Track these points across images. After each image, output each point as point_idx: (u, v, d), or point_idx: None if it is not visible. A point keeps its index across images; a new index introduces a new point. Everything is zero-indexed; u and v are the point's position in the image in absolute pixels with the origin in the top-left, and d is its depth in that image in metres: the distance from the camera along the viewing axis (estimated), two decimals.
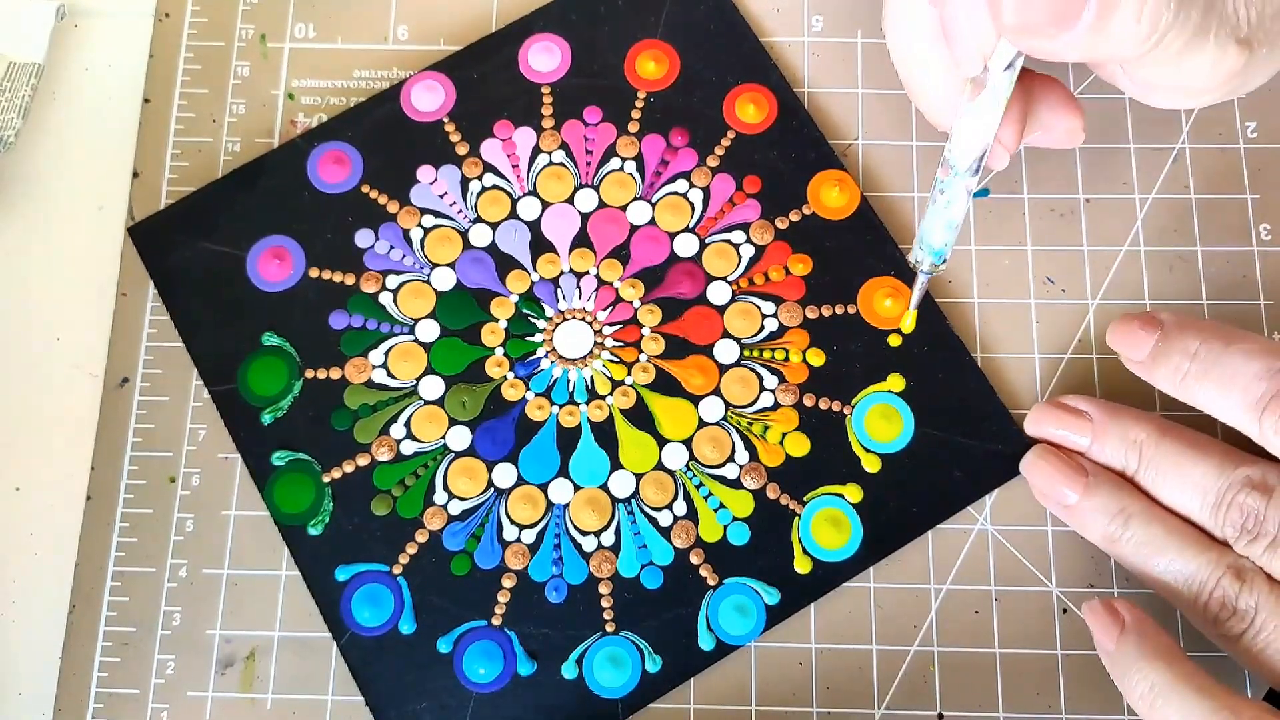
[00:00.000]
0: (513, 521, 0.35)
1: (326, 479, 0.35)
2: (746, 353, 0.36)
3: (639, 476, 0.35)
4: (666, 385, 0.36)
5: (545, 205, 0.38)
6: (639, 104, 0.39)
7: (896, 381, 0.36)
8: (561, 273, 0.37)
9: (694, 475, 0.35)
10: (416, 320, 0.37)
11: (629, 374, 0.36)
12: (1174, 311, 0.33)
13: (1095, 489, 0.33)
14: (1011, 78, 0.30)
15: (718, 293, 0.37)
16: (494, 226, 0.38)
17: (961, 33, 0.29)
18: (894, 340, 0.36)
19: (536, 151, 0.38)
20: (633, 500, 0.35)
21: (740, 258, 0.37)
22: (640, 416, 0.36)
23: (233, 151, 0.39)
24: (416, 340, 0.37)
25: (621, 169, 0.38)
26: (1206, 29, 0.28)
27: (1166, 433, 0.32)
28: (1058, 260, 0.37)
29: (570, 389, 0.36)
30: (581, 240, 0.38)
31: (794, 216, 0.37)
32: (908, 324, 0.36)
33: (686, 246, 0.37)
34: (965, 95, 0.31)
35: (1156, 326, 0.32)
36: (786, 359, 0.36)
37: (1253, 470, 0.31)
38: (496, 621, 0.34)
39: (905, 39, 0.33)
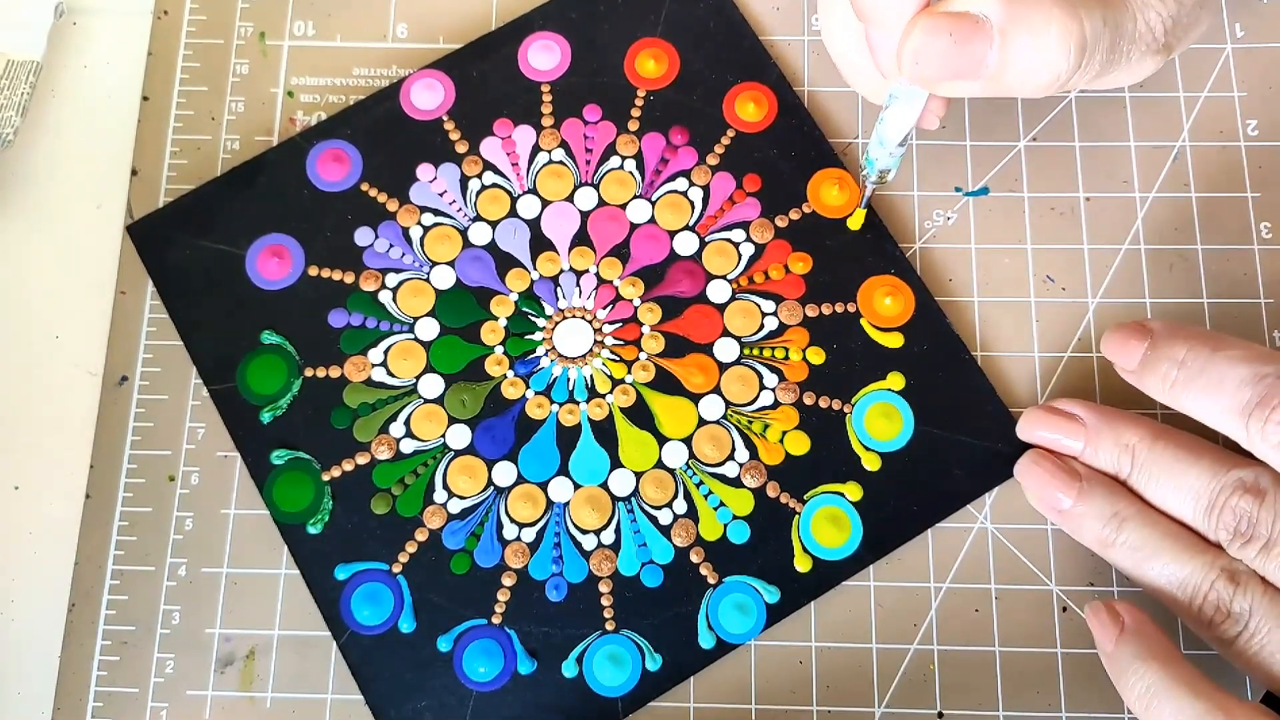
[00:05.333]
0: (512, 520, 0.35)
1: (326, 477, 0.35)
2: (746, 351, 0.36)
3: (639, 475, 0.35)
4: (666, 383, 0.36)
5: (545, 204, 0.38)
6: (639, 102, 0.39)
7: (896, 380, 0.36)
8: (561, 271, 0.37)
9: (694, 474, 0.35)
10: (416, 319, 0.37)
11: (629, 372, 0.36)
12: (1165, 319, 0.33)
13: (1089, 493, 0.33)
14: None
15: (717, 291, 0.37)
16: (494, 225, 0.38)
17: (881, 50, 0.31)
18: (893, 341, 0.36)
19: (536, 150, 0.38)
20: (633, 499, 0.35)
21: (740, 256, 0.37)
22: (640, 415, 0.36)
23: (232, 149, 0.39)
24: (416, 339, 0.37)
25: (621, 167, 0.38)
26: (1115, 60, 0.30)
27: (1159, 436, 0.33)
28: (1058, 259, 0.37)
29: (570, 387, 0.36)
30: (581, 239, 0.37)
31: (794, 215, 0.37)
32: (856, 222, 0.37)
33: (686, 245, 0.37)
34: (889, 87, 0.32)
35: (1146, 335, 0.32)
36: (786, 357, 0.36)
37: (1245, 473, 0.31)
38: (496, 620, 0.34)
39: (837, 38, 0.35)
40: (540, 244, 0.37)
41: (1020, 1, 0.28)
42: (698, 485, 0.35)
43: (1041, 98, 0.32)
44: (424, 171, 0.38)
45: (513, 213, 0.38)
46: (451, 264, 0.37)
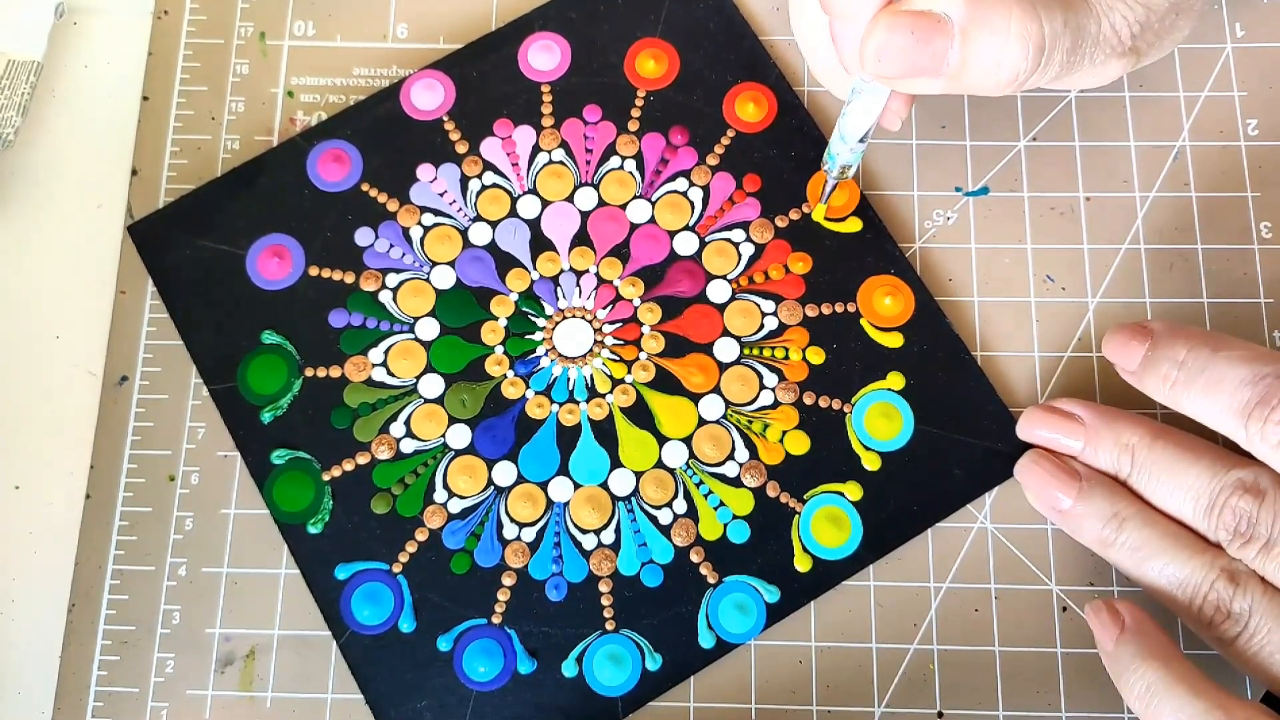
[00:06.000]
0: (513, 520, 0.35)
1: (326, 477, 0.35)
2: (746, 351, 0.36)
3: (639, 475, 0.35)
4: (666, 383, 0.36)
5: (545, 204, 0.38)
6: (639, 102, 0.39)
7: (896, 380, 0.36)
8: (561, 271, 0.37)
9: (694, 473, 0.35)
10: (416, 319, 0.37)
11: (629, 372, 0.36)
12: (1166, 319, 0.33)
13: (1089, 493, 0.33)
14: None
15: (717, 291, 0.37)
16: (494, 225, 0.38)
17: (845, 45, 0.32)
18: (893, 340, 0.36)
19: (536, 150, 0.38)
20: (633, 498, 0.35)
21: (740, 256, 0.37)
22: (640, 415, 0.36)
23: (232, 149, 0.39)
24: (416, 338, 0.37)
25: (621, 167, 0.38)
26: (1078, 61, 0.31)
27: (1159, 436, 0.33)
28: (1058, 258, 0.37)
29: (570, 387, 0.36)
30: (581, 239, 0.37)
31: (794, 215, 0.37)
32: (819, 214, 0.37)
33: (686, 245, 0.37)
34: (853, 82, 0.33)
35: (1147, 336, 0.32)
36: (786, 357, 0.36)
37: (1245, 473, 0.31)
38: (496, 620, 0.34)
39: (805, 32, 0.35)
40: (540, 244, 0.37)
41: (981, 1, 0.29)
42: (698, 485, 0.35)
43: (1020, 96, 0.32)
44: (424, 172, 0.38)
45: (513, 213, 0.38)
46: (452, 264, 0.37)
